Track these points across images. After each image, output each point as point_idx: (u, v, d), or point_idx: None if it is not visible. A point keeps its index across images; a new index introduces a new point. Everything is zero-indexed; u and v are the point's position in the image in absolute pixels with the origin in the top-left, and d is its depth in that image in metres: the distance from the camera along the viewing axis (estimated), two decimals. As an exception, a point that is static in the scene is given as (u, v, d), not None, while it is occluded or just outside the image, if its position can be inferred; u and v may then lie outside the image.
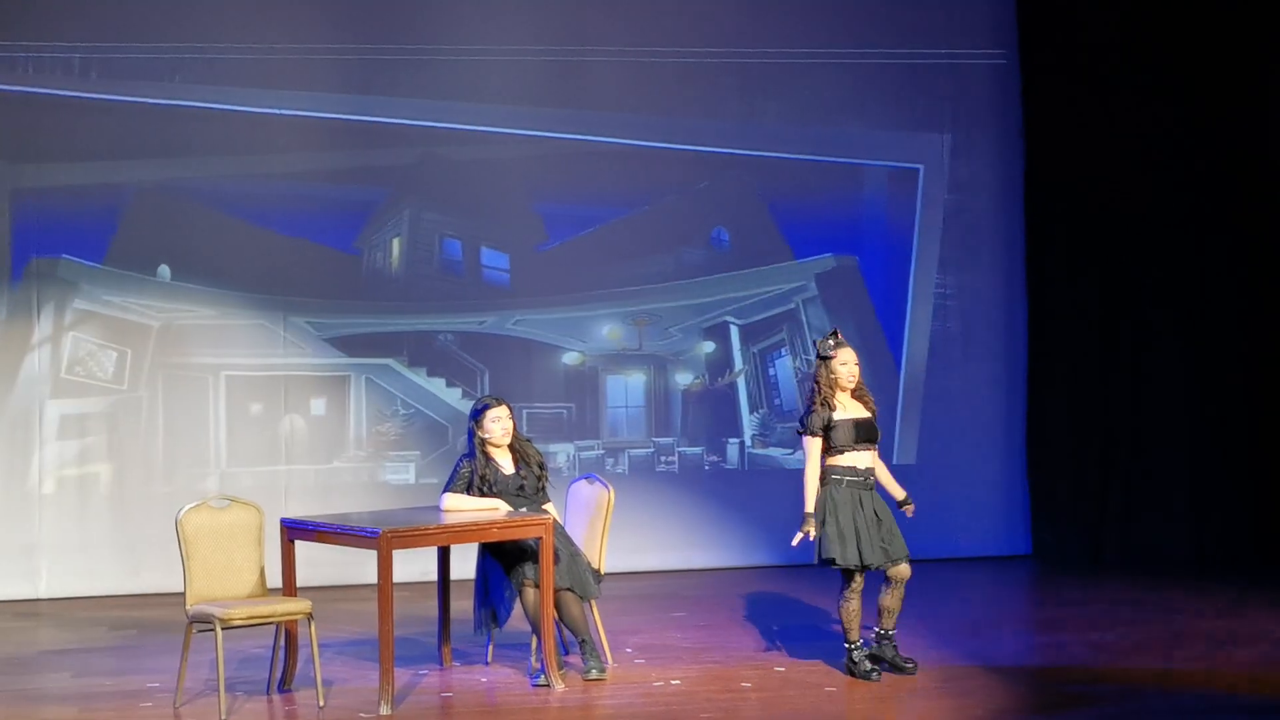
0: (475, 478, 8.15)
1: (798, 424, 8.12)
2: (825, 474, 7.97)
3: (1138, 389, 11.70)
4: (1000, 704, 7.56)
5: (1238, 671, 8.12)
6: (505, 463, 8.23)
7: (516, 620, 8.62)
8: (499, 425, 8.18)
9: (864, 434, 7.99)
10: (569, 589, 8.04)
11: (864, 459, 7.99)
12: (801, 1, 11.75)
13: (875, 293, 11.88)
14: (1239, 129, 11.47)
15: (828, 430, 7.95)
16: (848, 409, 8.01)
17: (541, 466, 8.29)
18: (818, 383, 8.01)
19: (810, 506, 7.92)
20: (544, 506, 8.24)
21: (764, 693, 7.82)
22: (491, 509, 8.07)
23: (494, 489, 8.15)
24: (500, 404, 8.24)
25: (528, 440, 8.39)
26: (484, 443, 8.19)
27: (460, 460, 8.28)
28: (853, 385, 8.03)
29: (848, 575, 7.95)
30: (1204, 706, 7.41)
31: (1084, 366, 11.71)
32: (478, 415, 8.21)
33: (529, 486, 8.20)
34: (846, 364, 8.01)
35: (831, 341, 8.06)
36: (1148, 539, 11.64)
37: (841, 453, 7.96)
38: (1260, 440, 11.63)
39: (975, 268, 11.95)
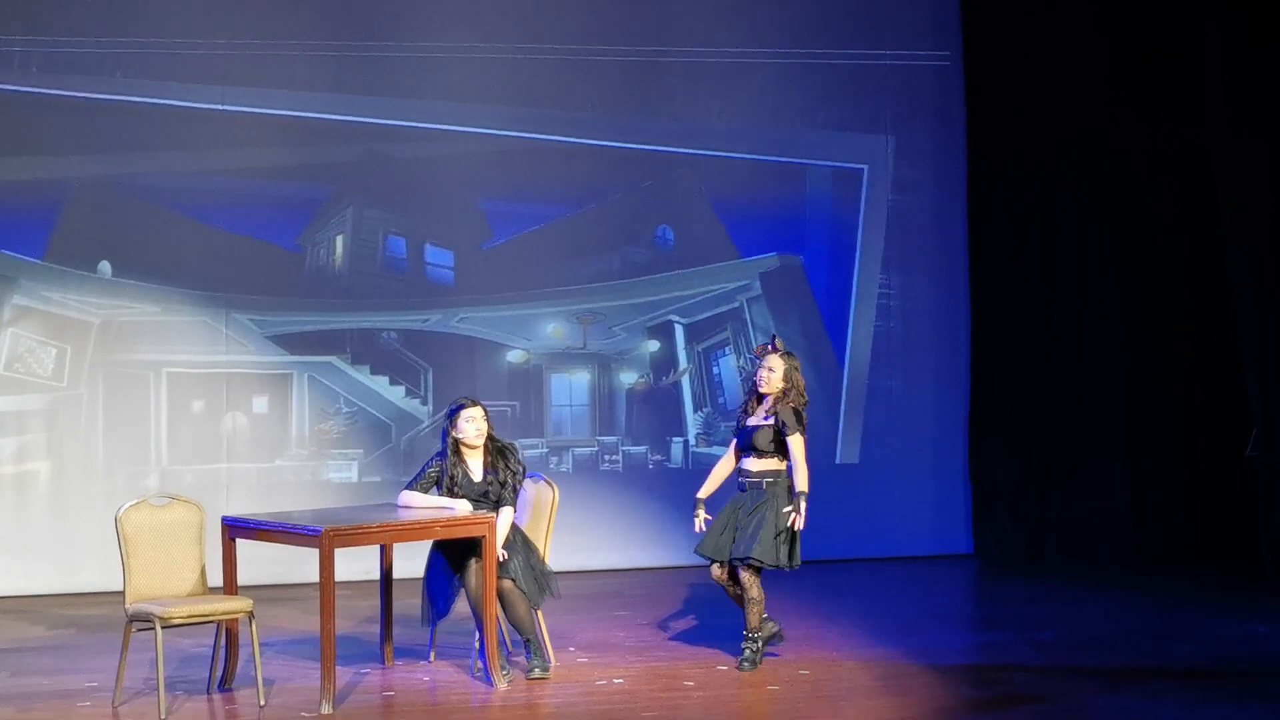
0: (445, 477, 8.16)
1: None
2: None
3: (1079, 389, 11.78)
4: (942, 702, 7.60)
5: (1177, 668, 8.19)
6: (476, 466, 8.20)
7: (460, 619, 8.60)
8: (472, 425, 8.18)
9: (744, 442, 8.31)
10: (518, 586, 8.02)
11: (745, 463, 8.32)
12: (748, 2, 11.77)
13: (819, 292, 11.92)
14: (1182, 129, 11.56)
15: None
16: (758, 415, 8.30)
17: (514, 476, 8.23)
18: None
19: (700, 493, 8.51)
20: (501, 509, 8.18)
21: (707, 691, 7.83)
22: (439, 507, 8.04)
23: (458, 491, 8.14)
24: (474, 404, 8.25)
25: (510, 447, 8.35)
26: (457, 443, 8.19)
27: (432, 458, 8.28)
28: (767, 391, 8.28)
29: None
30: (1145, 703, 7.47)
31: (1025, 367, 11.79)
32: (452, 414, 8.23)
33: (492, 494, 8.17)
34: (760, 369, 8.32)
35: (765, 348, 8.42)
36: (1088, 537, 11.72)
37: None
38: (1198, 440, 11.75)
39: (918, 268, 12.01)
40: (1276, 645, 8.70)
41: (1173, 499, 11.77)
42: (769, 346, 8.37)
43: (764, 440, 8.22)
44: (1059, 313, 11.78)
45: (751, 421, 8.29)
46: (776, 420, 8.19)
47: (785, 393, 8.23)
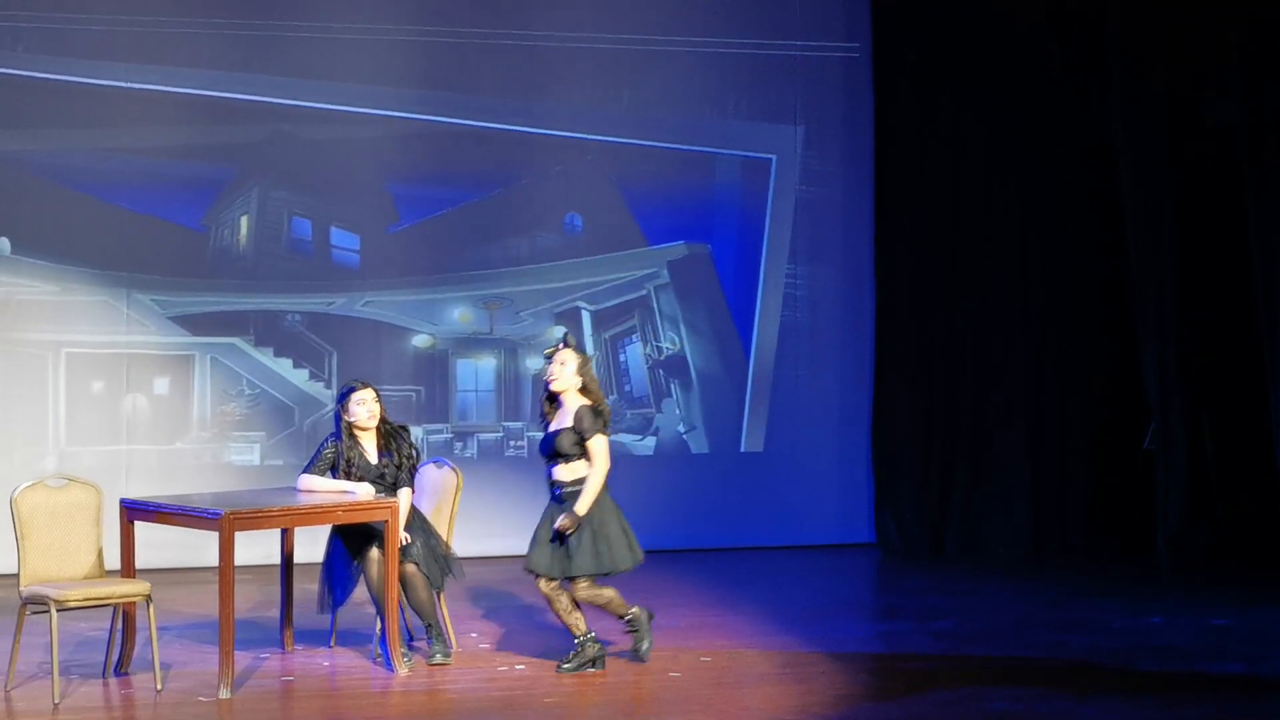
0: (341, 460, 8.11)
1: None
2: None
3: (981, 381, 11.89)
4: (841, 690, 7.65)
5: (1071, 659, 8.29)
6: (370, 448, 8.17)
7: (361, 604, 8.56)
8: (364, 408, 8.15)
9: (547, 449, 7.84)
10: (420, 569, 7.99)
11: (555, 471, 7.84)
12: (659, -11, 11.80)
13: (726, 281, 11.95)
14: (1083, 125, 11.70)
15: None
16: (558, 418, 7.88)
17: (409, 459, 8.18)
18: None
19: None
20: (399, 491, 8.14)
21: (608, 677, 7.83)
22: (341, 491, 8.00)
23: (355, 473, 8.09)
24: (366, 387, 8.23)
25: (403, 429, 8.31)
26: (350, 426, 8.15)
27: (326, 440, 8.24)
28: (558, 388, 7.84)
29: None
30: (1039, 693, 7.56)
31: (929, 358, 11.88)
32: (343, 398, 8.21)
33: (389, 476, 8.14)
34: (550, 365, 7.88)
35: (555, 346, 7.96)
36: (987, 529, 11.85)
37: None
38: (1096, 435, 11.91)
39: (825, 258, 12.08)
40: (1171, 637, 8.83)
41: (1072, 492, 11.92)
42: (560, 344, 7.91)
43: (567, 444, 7.74)
44: (963, 305, 11.87)
45: (553, 426, 7.85)
46: (576, 423, 7.77)
47: (582, 389, 7.80)
